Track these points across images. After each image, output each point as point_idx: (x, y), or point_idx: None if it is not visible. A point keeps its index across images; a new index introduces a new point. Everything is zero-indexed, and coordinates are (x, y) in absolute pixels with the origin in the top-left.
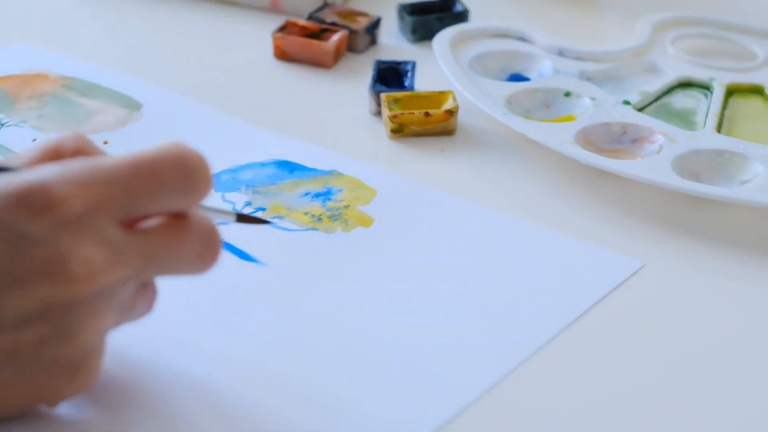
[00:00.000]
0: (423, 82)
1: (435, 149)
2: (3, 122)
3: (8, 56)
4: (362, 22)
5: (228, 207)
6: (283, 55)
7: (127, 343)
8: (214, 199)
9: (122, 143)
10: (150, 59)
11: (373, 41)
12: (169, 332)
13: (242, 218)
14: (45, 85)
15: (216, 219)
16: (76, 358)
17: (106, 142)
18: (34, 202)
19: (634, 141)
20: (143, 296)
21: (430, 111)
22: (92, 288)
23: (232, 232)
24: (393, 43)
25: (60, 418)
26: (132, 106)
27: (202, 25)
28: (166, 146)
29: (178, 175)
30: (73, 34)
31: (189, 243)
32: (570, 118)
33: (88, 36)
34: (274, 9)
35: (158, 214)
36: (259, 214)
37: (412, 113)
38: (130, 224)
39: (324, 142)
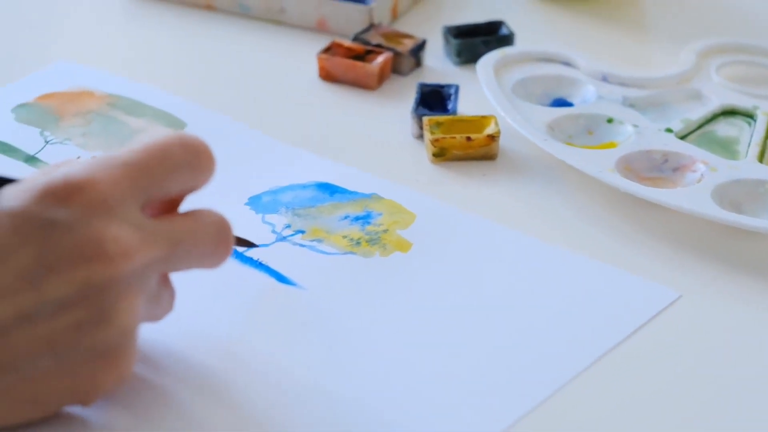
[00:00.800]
0: (467, 105)
1: (476, 174)
2: (48, 140)
3: (53, 73)
4: (407, 45)
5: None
6: (327, 75)
7: (161, 361)
8: (254, 221)
9: None
10: (195, 78)
11: (418, 63)
12: (203, 353)
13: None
14: (90, 103)
15: None
16: (113, 343)
17: None
18: (58, 192)
19: (675, 169)
20: (165, 291)
21: (472, 135)
22: (127, 267)
23: (269, 255)
24: (438, 65)
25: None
26: (176, 125)
27: (248, 44)
28: (170, 132)
29: (186, 152)
30: (119, 52)
31: (206, 230)
32: (612, 145)
33: (134, 54)
34: (320, 29)
35: (174, 196)
36: (297, 237)
37: (454, 137)
38: (150, 212)
39: (365, 165)
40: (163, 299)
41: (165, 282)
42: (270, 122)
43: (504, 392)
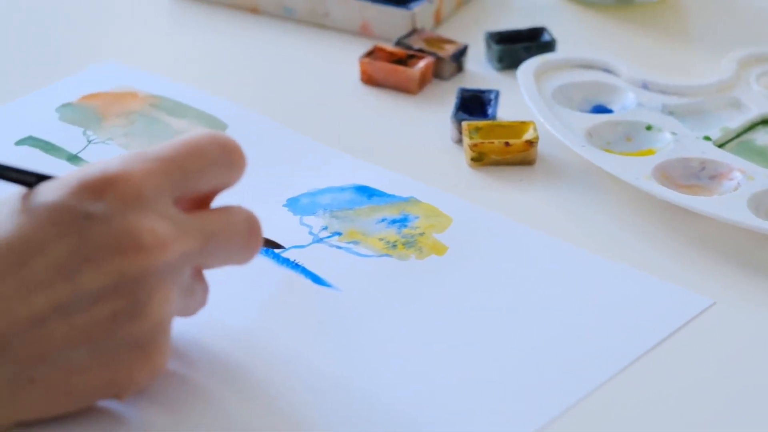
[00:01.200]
0: (507, 111)
1: (514, 179)
2: (90, 139)
3: (99, 73)
4: (449, 50)
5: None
6: (369, 79)
7: (194, 356)
8: (292, 222)
9: None
10: (238, 80)
11: (459, 68)
12: (236, 350)
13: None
14: (133, 104)
15: None
16: (148, 334)
17: None
18: (94, 185)
19: (712, 177)
20: (198, 286)
21: (510, 141)
22: (162, 259)
23: (306, 256)
24: (479, 70)
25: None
26: (217, 126)
27: (291, 47)
28: (202, 130)
29: (219, 150)
30: (165, 53)
31: (237, 225)
32: (650, 152)
33: (179, 55)
34: (364, 33)
35: (206, 192)
36: (334, 239)
37: (492, 142)
38: (183, 208)
39: (404, 169)
40: (196, 293)
41: (198, 276)
42: (311, 125)
43: (533, 396)
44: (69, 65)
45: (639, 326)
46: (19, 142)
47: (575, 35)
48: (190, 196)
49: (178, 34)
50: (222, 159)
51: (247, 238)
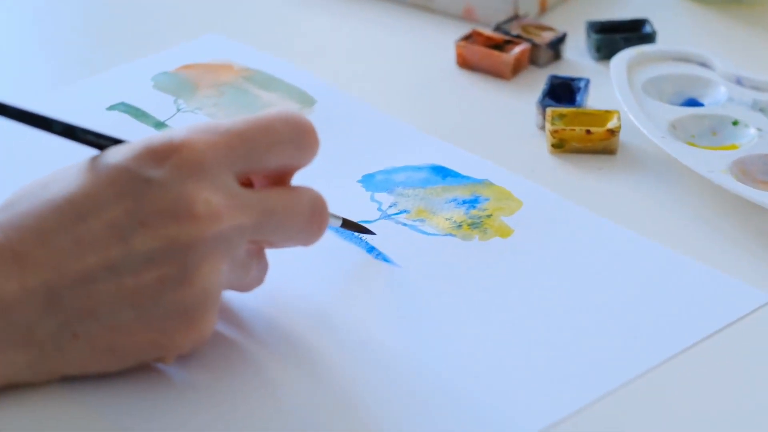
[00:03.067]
0: (597, 100)
1: (593, 167)
2: (180, 108)
3: (200, 45)
4: (546, 37)
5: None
6: (465, 63)
7: (249, 325)
8: (363, 198)
9: None
10: (338, 58)
11: (557, 56)
12: (290, 320)
13: (347, 224)
14: (227, 75)
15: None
16: (193, 302)
17: None
18: (158, 150)
19: None
20: (257, 263)
21: (592, 129)
22: (214, 229)
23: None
24: (578, 59)
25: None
26: (306, 101)
27: (394, 28)
28: (277, 109)
29: (290, 129)
30: (268, 29)
31: (301, 205)
32: (733, 147)
33: (281, 30)
34: (467, 18)
35: (270, 171)
36: (401, 216)
37: (573, 130)
38: (247, 184)
39: (486, 152)
40: (251, 269)
41: (258, 254)
42: (401, 104)
43: (576, 378)
44: (176, 36)
45: (694, 317)
46: (111, 108)
47: (679, 29)
48: (259, 172)
49: (283, 11)
50: (293, 138)
51: (309, 220)
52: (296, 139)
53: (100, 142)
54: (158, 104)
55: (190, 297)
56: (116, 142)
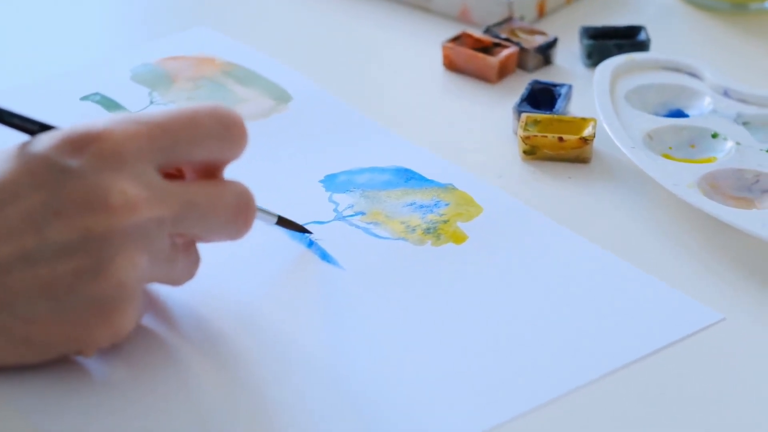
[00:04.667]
0: (582, 107)
1: (563, 175)
2: (153, 100)
3: (188, 37)
4: (535, 41)
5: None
6: (451, 65)
7: (176, 321)
8: (321, 198)
9: (258, 133)
10: (326, 54)
11: (546, 61)
12: (218, 317)
13: (283, 222)
14: (207, 69)
15: (260, 218)
16: (109, 295)
17: None
18: (76, 140)
19: (765, 191)
20: (185, 257)
21: (564, 136)
22: (130, 220)
23: (323, 232)
24: (569, 65)
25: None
26: (282, 98)
27: (389, 26)
28: (205, 103)
29: (216, 122)
30: (258, 22)
31: (225, 198)
32: (711, 160)
33: (272, 26)
34: (463, 19)
35: (195, 164)
36: (356, 218)
37: (546, 136)
38: (170, 176)
39: (458, 155)
40: (177, 263)
41: (186, 248)
42: (381, 104)
43: (517, 386)
44: (170, 27)
45: (642, 332)
46: (84, 98)
47: (677, 38)
48: (183, 165)
49: (277, 5)
50: (219, 132)
51: (234, 214)
52: (222, 132)
53: (27, 126)
54: (133, 96)
55: (105, 289)
56: (44, 127)
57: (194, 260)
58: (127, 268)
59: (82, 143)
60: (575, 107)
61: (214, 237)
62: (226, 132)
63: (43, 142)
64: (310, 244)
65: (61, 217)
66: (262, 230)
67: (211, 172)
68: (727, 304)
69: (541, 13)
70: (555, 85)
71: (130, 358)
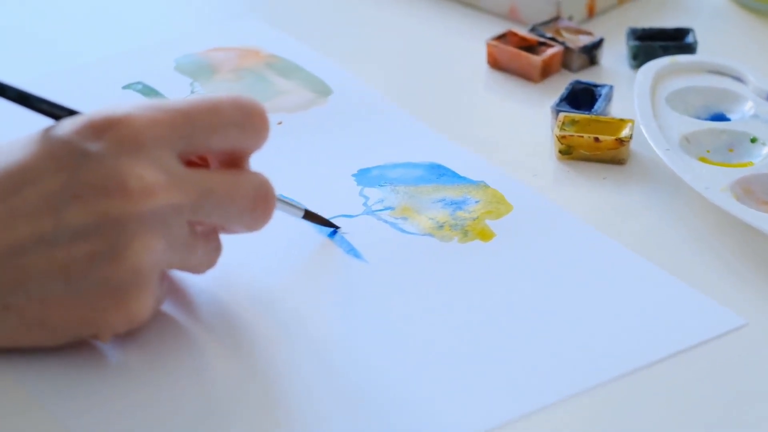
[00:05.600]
0: (624, 109)
1: (597, 176)
2: (194, 90)
3: (238, 28)
4: (580, 41)
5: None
6: (495, 63)
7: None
8: (351, 192)
9: (296, 125)
10: (373, 48)
11: (592, 62)
12: (240, 307)
13: (309, 216)
14: (250, 61)
15: (286, 211)
16: (123, 280)
17: (280, 123)
18: (97, 125)
19: None
20: (205, 245)
21: (600, 137)
22: (146, 206)
23: (351, 226)
24: (614, 66)
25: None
26: (322, 91)
27: (437, 23)
28: (228, 93)
29: (237, 112)
30: (305, 16)
31: (244, 188)
32: (748, 165)
33: (322, 19)
34: (512, 17)
35: (217, 153)
36: (385, 213)
37: (582, 136)
38: (190, 164)
39: (495, 153)
40: (195, 251)
41: (207, 235)
42: (422, 100)
43: (534, 383)
44: (222, 17)
45: (663, 334)
46: (127, 86)
47: (726, 41)
48: (204, 153)
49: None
50: (240, 121)
51: (253, 204)
52: (243, 122)
53: (54, 111)
54: (174, 86)
55: (119, 274)
56: (71, 112)
57: (215, 248)
58: (142, 253)
59: (102, 128)
60: (617, 108)
61: (232, 226)
62: (247, 121)
63: (66, 126)
64: (334, 235)
65: (78, 201)
66: (287, 222)
67: (234, 161)
68: (753, 310)
69: (591, 13)
70: (596, 86)
71: (147, 345)
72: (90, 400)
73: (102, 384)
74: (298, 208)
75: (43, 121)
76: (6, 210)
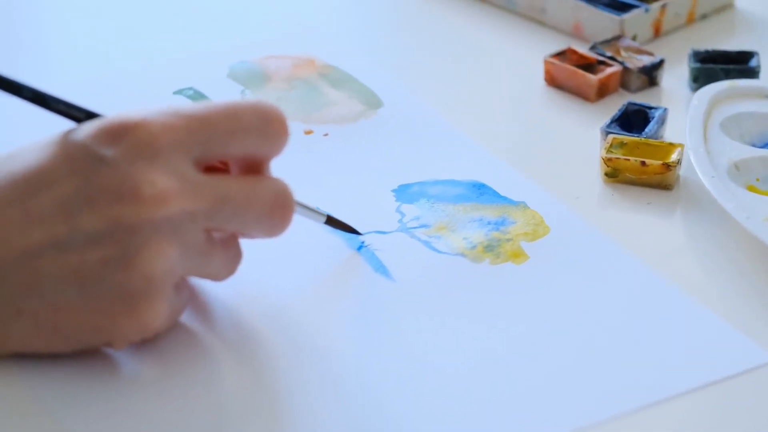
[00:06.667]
0: (680, 132)
1: (642, 201)
2: (244, 98)
3: (301, 37)
4: (641, 62)
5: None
6: (552, 80)
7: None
8: (388, 207)
9: (342, 137)
10: (433, 59)
11: (652, 82)
12: (259, 320)
13: (332, 222)
14: (304, 70)
15: (309, 217)
16: (136, 287)
17: (326, 134)
18: (113, 130)
19: None
20: (223, 252)
21: (647, 161)
22: (159, 212)
23: (383, 242)
24: (675, 88)
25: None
26: (372, 104)
27: (499, 37)
28: (248, 99)
29: (256, 117)
30: (366, 26)
31: (261, 194)
32: None
33: (379, 29)
34: (576, 34)
35: (236, 159)
36: (420, 231)
37: (628, 160)
38: (208, 169)
39: (539, 172)
40: (213, 258)
41: (225, 242)
42: (474, 115)
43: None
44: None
45: (688, 366)
46: (178, 92)
47: None
48: (222, 159)
49: (390, 9)
50: (258, 127)
51: (271, 210)
52: (262, 127)
53: (72, 112)
54: (225, 93)
55: (132, 280)
56: (88, 113)
57: (234, 256)
58: (154, 260)
59: (118, 133)
60: (672, 132)
61: (251, 233)
62: (266, 127)
63: (84, 130)
64: (361, 248)
65: (92, 206)
66: (316, 235)
67: (254, 167)
68: None
69: (658, 33)
70: (650, 108)
71: (161, 356)
72: (98, 409)
73: (112, 393)
74: (321, 214)
75: (60, 123)
76: (21, 214)
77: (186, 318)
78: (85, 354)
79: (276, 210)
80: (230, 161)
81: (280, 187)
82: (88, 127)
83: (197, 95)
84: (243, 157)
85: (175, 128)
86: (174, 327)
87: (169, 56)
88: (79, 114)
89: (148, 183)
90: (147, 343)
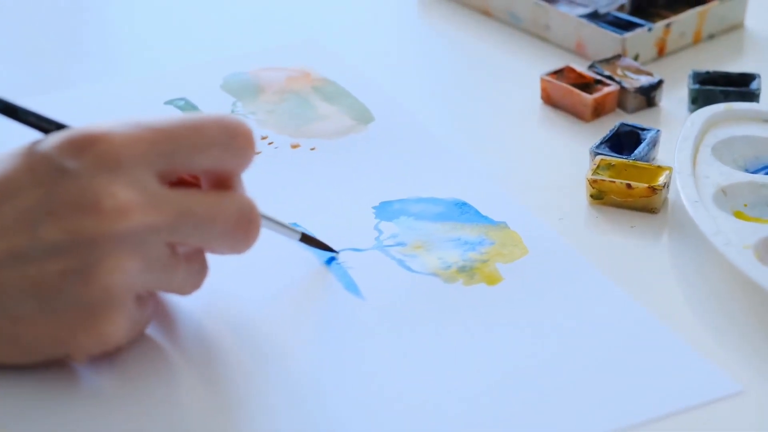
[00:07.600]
0: (670, 154)
1: (625, 224)
2: (235, 110)
3: (300, 48)
4: (639, 82)
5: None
6: (548, 98)
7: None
8: (366, 224)
9: (329, 151)
10: (432, 73)
11: (649, 103)
12: (222, 336)
13: (307, 239)
14: (298, 83)
15: (283, 234)
16: (95, 299)
17: (313, 149)
18: (76, 142)
19: None
20: (188, 266)
21: (633, 183)
22: (120, 225)
23: (357, 260)
24: (673, 109)
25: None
26: (363, 118)
27: (501, 52)
28: (213, 113)
29: (221, 132)
30: (367, 39)
31: (226, 209)
32: None
33: (380, 43)
34: (578, 52)
35: (204, 173)
36: (395, 249)
37: (613, 182)
38: (177, 183)
39: (525, 192)
40: (176, 272)
41: (189, 257)
42: (467, 131)
43: None
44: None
45: (655, 394)
46: (168, 102)
47: None
48: (186, 172)
49: (392, 22)
50: (224, 141)
51: (234, 226)
52: (227, 141)
53: (42, 124)
54: (216, 104)
55: (91, 293)
56: (58, 125)
57: (199, 270)
58: (114, 273)
59: (82, 145)
60: (666, 154)
61: (215, 248)
62: (231, 141)
63: (48, 141)
64: (333, 264)
65: (53, 217)
66: (286, 250)
67: (222, 182)
68: (756, 377)
69: (662, 53)
70: (642, 129)
71: (123, 370)
72: (55, 422)
73: (70, 406)
74: (296, 231)
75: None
76: None
77: (151, 331)
78: (44, 366)
79: (240, 226)
80: (199, 175)
81: (246, 204)
82: (53, 139)
83: (188, 106)
84: (210, 171)
85: (138, 141)
86: (137, 340)
87: (170, 66)
88: (49, 126)
89: (109, 195)
90: (108, 356)
